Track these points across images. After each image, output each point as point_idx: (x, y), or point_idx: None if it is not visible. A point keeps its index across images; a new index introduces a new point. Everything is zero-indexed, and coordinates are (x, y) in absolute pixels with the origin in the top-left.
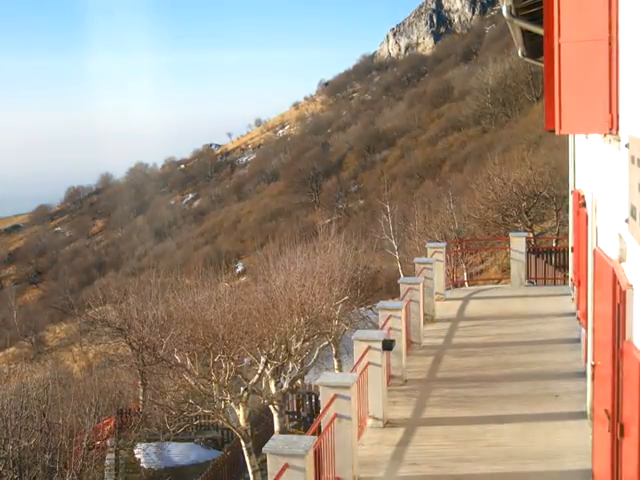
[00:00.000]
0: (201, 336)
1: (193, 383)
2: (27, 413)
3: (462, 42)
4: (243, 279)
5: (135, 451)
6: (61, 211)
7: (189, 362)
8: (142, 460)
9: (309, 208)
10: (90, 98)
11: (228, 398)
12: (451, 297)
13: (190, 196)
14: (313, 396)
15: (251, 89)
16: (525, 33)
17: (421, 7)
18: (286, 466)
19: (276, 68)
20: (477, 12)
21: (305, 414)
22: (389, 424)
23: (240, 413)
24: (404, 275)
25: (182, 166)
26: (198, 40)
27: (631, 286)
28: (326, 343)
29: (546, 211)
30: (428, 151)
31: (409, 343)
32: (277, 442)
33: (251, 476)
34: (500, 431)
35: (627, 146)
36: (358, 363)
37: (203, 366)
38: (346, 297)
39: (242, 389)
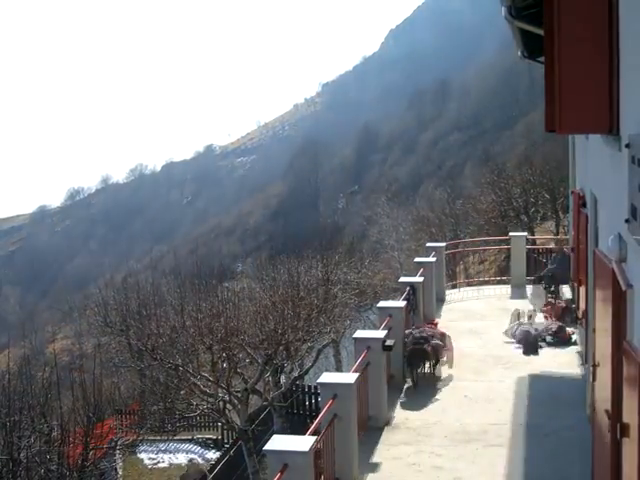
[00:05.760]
0: (201, 336)
1: (193, 383)
2: (26, 413)
3: (462, 42)
4: (244, 279)
5: (135, 451)
6: (61, 212)
7: (189, 362)
8: (143, 460)
9: (309, 209)
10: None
11: (228, 398)
12: (451, 297)
13: (190, 197)
14: (313, 396)
15: (251, 89)
16: (525, 33)
17: (421, 7)
18: (286, 466)
19: (276, 68)
20: (477, 11)
21: None
22: (389, 424)
23: (240, 413)
24: (404, 275)
25: (182, 167)
26: (197, 39)
27: (631, 286)
28: (326, 343)
29: (546, 211)
30: (428, 151)
31: None
32: (277, 442)
33: (251, 476)
34: (501, 430)
35: (627, 146)
36: (358, 364)
37: (203, 366)
38: (345, 297)
39: (242, 389)
